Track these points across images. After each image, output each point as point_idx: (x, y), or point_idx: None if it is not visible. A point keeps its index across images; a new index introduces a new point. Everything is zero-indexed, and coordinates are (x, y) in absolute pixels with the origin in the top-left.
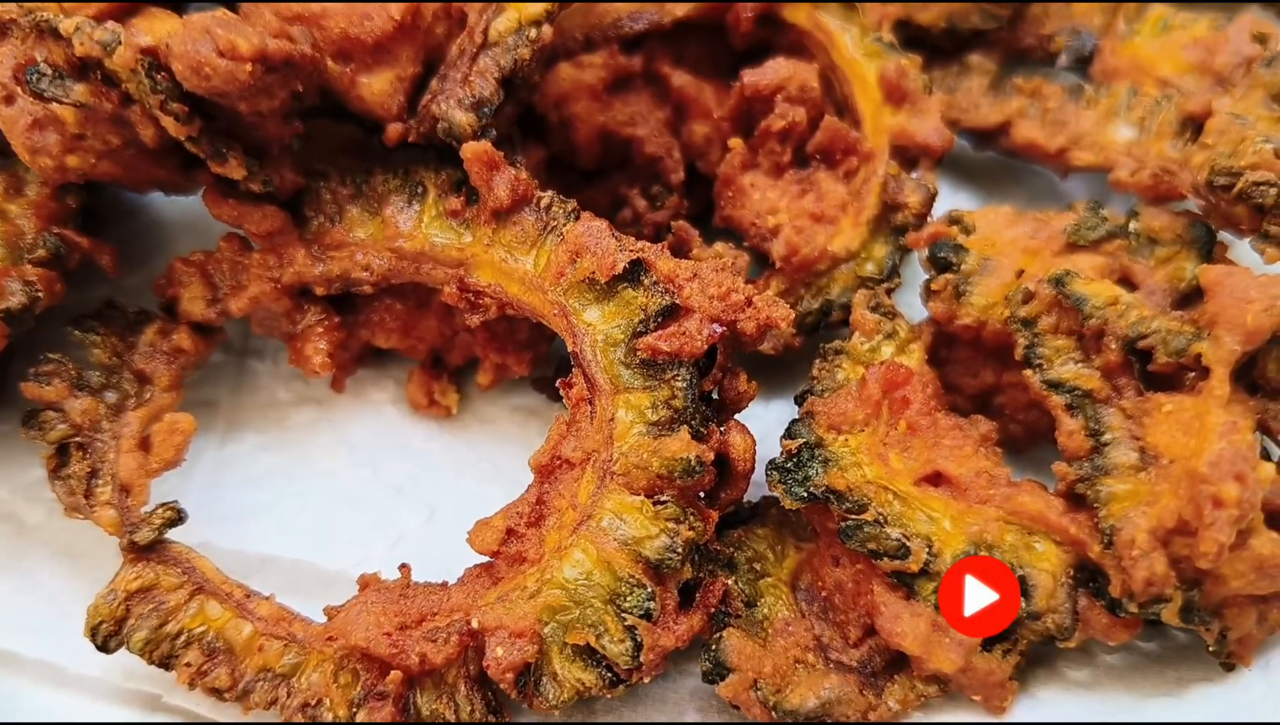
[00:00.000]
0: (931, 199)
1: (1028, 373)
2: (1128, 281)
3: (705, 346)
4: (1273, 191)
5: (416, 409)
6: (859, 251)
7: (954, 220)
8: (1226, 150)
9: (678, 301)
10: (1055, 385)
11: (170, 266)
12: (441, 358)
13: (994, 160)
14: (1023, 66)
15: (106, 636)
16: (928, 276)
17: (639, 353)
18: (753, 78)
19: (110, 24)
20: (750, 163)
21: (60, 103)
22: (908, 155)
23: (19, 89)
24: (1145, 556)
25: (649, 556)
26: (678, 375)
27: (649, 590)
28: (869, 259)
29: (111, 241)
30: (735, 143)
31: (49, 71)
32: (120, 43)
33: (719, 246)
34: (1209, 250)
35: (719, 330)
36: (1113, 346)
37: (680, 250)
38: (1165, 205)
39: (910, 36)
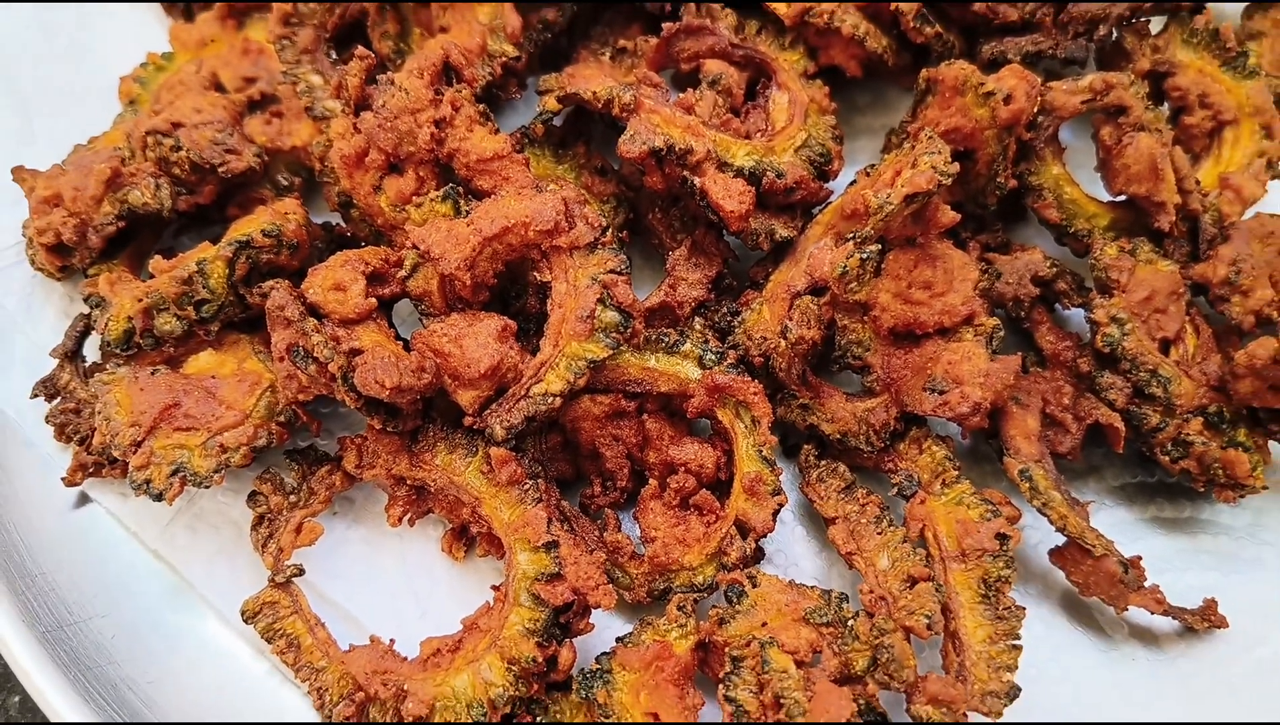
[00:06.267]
0: (745, 558)
1: (720, 686)
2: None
3: (562, 603)
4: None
5: (443, 551)
6: (697, 568)
7: (750, 575)
8: (913, 617)
9: (561, 572)
10: (730, 700)
11: (343, 439)
12: (466, 528)
13: None
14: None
15: (247, 619)
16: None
17: (532, 589)
18: (672, 452)
19: (342, 334)
20: (657, 495)
21: (301, 372)
22: (745, 527)
23: (286, 355)
24: None
25: (490, 696)
26: (544, 611)
27: (483, 710)
28: (700, 574)
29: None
30: (652, 483)
31: (302, 353)
32: (331, 359)
33: (621, 535)
34: (874, 663)
35: (571, 596)
36: (768, 696)
37: (606, 524)
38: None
39: (814, 433)
